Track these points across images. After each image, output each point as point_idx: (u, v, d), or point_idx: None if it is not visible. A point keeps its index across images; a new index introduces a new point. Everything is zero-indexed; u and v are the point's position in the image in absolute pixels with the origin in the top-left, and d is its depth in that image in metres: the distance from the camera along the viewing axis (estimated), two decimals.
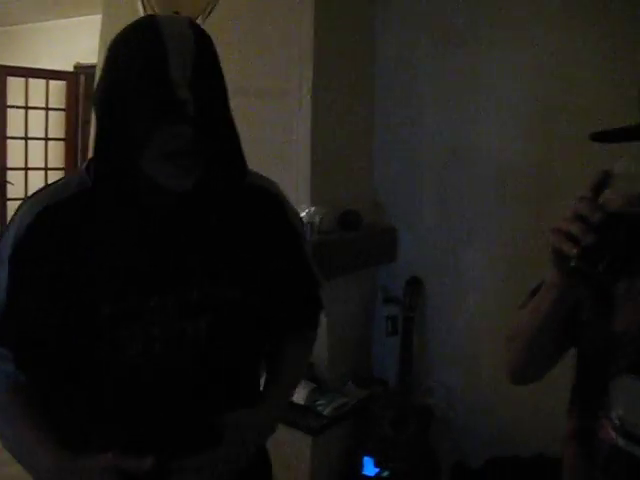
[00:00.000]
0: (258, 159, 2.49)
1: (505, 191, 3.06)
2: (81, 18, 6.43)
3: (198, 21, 2.82)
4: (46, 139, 6.90)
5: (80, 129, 6.92)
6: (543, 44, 2.91)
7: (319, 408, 3.08)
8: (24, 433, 1.16)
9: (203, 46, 1.13)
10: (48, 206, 1.21)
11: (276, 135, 3.26)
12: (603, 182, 1.00)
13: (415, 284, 3.33)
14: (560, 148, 2.88)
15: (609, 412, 1.07)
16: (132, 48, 1.12)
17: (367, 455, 3.15)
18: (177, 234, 1.22)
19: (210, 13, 2.84)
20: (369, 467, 3.11)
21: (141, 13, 2.81)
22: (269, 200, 1.37)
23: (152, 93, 1.07)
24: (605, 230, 0.96)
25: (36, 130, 6.81)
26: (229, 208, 1.28)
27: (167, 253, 1.21)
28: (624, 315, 1.09)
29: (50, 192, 1.25)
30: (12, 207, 6.72)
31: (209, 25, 3.06)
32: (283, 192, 1.43)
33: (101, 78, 1.17)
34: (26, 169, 6.81)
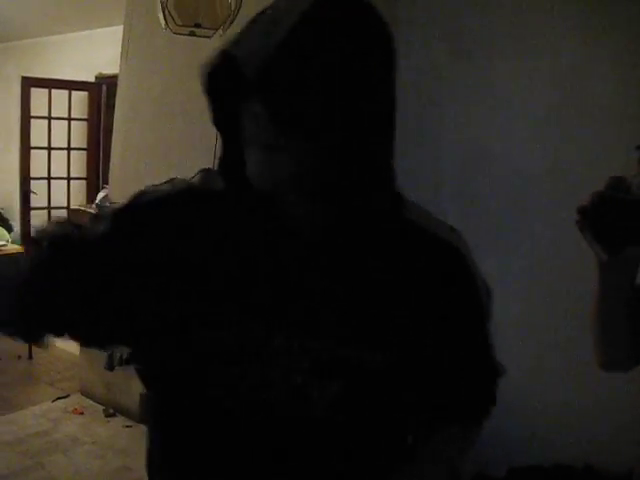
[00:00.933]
0: None
1: (525, 198, 3.05)
2: (103, 29, 6.51)
3: (219, 32, 2.85)
4: (69, 149, 6.97)
5: (102, 139, 6.98)
6: (558, 52, 2.92)
7: None
8: None
9: (314, 23, 0.88)
10: (189, 188, 1.05)
11: None
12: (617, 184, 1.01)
13: None
14: (579, 154, 2.87)
15: None
16: None
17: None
18: (311, 274, 0.98)
19: (231, 24, 2.86)
20: None
21: (162, 24, 2.84)
22: (445, 255, 1.04)
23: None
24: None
25: (59, 140, 6.89)
26: (383, 252, 1.00)
27: (297, 291, 0.98)
28: None
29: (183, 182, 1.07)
30: (36, 216, 6.81)
31: (231, 37, 3.09)
32: (468, 246, 1.09)
33: None
34: (49, 178, 6.88)
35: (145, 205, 1.04)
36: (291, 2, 0.88)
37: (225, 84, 0.92)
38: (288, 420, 0.98)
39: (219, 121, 0.98)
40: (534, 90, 3.01)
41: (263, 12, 0.91)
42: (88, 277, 0.95)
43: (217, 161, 1.00)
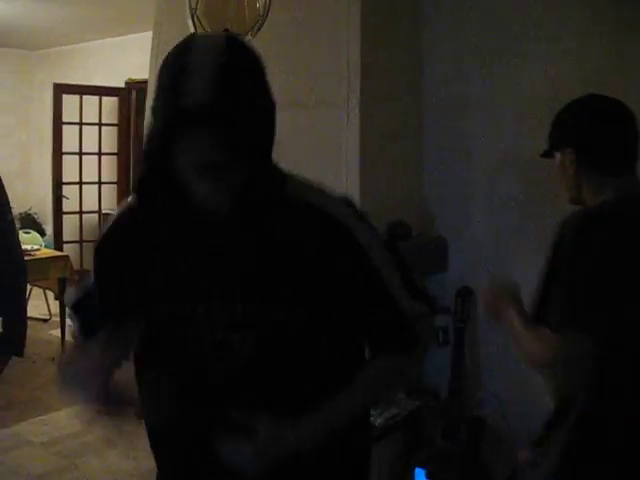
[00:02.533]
0: (307, 171, 2.50)
1: (556, 200, 3.02)
2: (132, 35, 6.59)
3: (247, 37, 2.86)
4: (99, 154, 7.05)
5: (132, 143, 7.05)
6: (579, 54, 2.91)
7: (371, 419, 3.08)
8: (77, 361, 1.38)
9: (235, 58, 1.15)
10: (121, 213, 1.38)
11: (325, 147, 3.28)
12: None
13: (466, 294, 3.31)
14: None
15: None
16: (165, 63, 1.18)
17: (419, 467, 3.12)
18: (223, 248, 1.25)
19: (259, 29, 2.88)
20: (421, 479, 3.09)
21: (191, 30, 2.86)
22: (328, 222, 1.26)
23: (168, 100, 1.12)
24: None
25: (90, 145, 6.98)
26: (277, 225, 1.24)
27: (212, 266, 1.26)
28: None
29: (116, 214, 1.40)
30: (67, 221, 6.90)
31: (258, 41, 3.10)
32: (356, 218, 1.32)
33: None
34: (80, 183, 6.97)
35: (103, 238, 1.40)
36: (199, 52, 1.13)
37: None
38: (223, 371, 1.26)
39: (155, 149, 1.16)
40: (562, 93, 2.99)
41: (170, 69, 1.16)
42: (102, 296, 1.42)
43: (136, 182, 1.27)
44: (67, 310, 1.52)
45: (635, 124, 1.75)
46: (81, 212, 7.00)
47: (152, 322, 1.31)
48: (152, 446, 1.48)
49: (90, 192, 7.01)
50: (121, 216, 1.37)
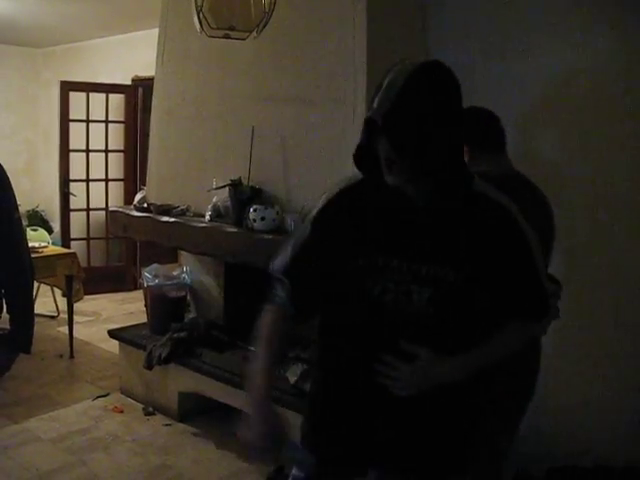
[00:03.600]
0: (314, 165, 2.51)
1: (561, 196, 3.02)
2: (138, 32, 6.60)
3: (253, 35, 2.87)
4: (106, 151, 7.07)
5: (139, 140, 7.06)
6: (594, 47, 2.90)
7: None
8: (259, 351, 1.73)
9: (412, 85, 1.47)
10: (341, 190, 1.71)
11: (331, 142, 3.28)
12: None
13: None
14: (619, 152, 2.83)
15: None
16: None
17: None
18: (416, 225, 1.62)
19: (265, 27, 2.88)
20: None
21: (197, 27, 2.86)
22: (500, 212, 1.59)
23: (367, 110, 1.56)
24: None
25: (97, 143, 6.99)
26: (460, 210, 1.60)
27: (407, 235, 1.62)
28: None
29: (342, 181, 1.72)
30: (75, 218, 6.91)
31: (264, 38, 3.11)
32: (518, 210, 1.62)
33: None
34: (87, 180, 6.99)
35: (320, 211, 1.72)
36: (397, 73, 1.49)
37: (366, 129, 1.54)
38: (400, 314, 1.61)
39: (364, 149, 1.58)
40: (567, 86, 2.99)
41: (380, 84, 1.51)
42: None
43: (361, 169, 1.64)
44: (275, 276, 1.75)
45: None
46: (88, 209, 7.01)
47: (349, 275, 1.66)
48: (322, 381, 1.84)
49: (97, 189, 7.02)
50: (335, 194, 1.71)
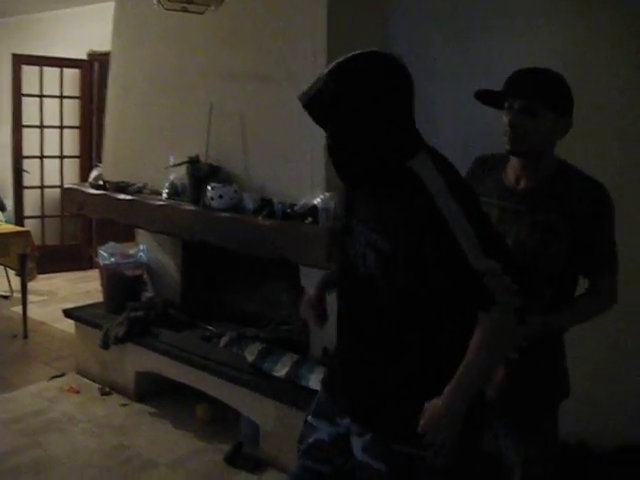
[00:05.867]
0: (274, 145, 2.49)
1: None
2: (94, 6, 6.43)
3: (210, 8, 2.82)
4: (61, 127, 6.92)
5: (95, 116, 6.93)
6: (554, 30, 2.92)
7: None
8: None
9: (336, 72, 1.64)
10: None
11: (290, 121, 3.25)
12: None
13: None
14: (576, 135, 2.86)
15: None
16: None
17: None
18: (364, 195, 1.81)
19: (222, 1, 2.83)
20: None
21: (154, 0, 2.81)
22: (422, 191, 1.64)
23: None
24: None
25: (51, 118, 6.84)
26: (390, 190, 1.72)
27: (362, 203, 1.81)
28: None
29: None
30: (28, 195, 6.77)
31: (223, 13, 3.06)
32: (434, 175, 1.67)
33: None
34: (42, 157, 6.84)
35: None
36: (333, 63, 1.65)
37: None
38: (360, 275, 1.79)
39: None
40: (526, 65, 3.01)
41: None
42: None
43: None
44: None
45: None
46: (42, 186, 6.87)
47: (342, 236, 1.89)
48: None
49: (51, 166, 6.88)
50: None
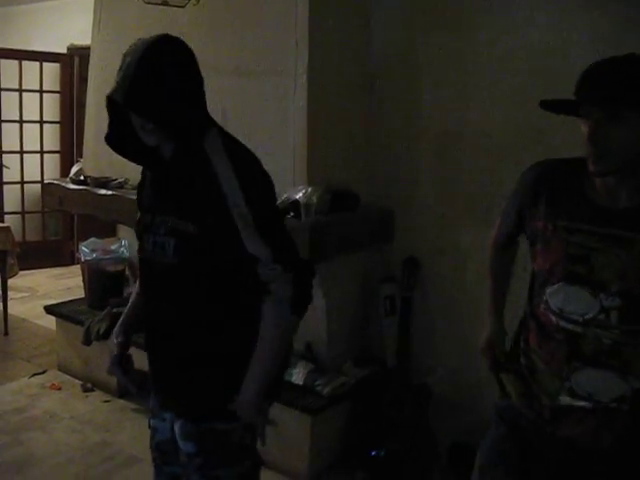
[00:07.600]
0: (254, 139, 2.48)
1: (501, 169, 3.06)
2: None
3: (192, 3, 2.80)
4: (41, 122, 6.86)
5: (75, 111, 6.87)
6: (536, 25, 2.93)
7: (318, 388, 3.10)
8: None
9: (142, 62, 1.69)
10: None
11: (272, 115, 3.25)
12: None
13: (412, 264, 3.34)
14: (554, 127, 2.88)
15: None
16: None
17: (366, 435, 3.17)
18: (165, 180, 1.82)
19: None
20: (368, 446, 3.13)
21: None
22: (208, 171, 1.69)
23: None
24: None
25: (31, 113, 6.77)
26: (186, 170, 1.75)
27: (161, 191, 1.84)
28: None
29: None
30: (8, 191, 6.71)
31: (202, 8, 3.04)
32: (223, 160, 1.69)
33: None
34: (22, 152, 6.78)
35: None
36: (131, 54, 1.72)
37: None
38: (160, 266, 1.80)
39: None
40: (509, 61, 3.02)
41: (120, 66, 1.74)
42: None
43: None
44: None
45: None
46: (23, 182, 6.81)
47: (140, 229, 1.90)
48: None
49: (32, 161, 6.82)
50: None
